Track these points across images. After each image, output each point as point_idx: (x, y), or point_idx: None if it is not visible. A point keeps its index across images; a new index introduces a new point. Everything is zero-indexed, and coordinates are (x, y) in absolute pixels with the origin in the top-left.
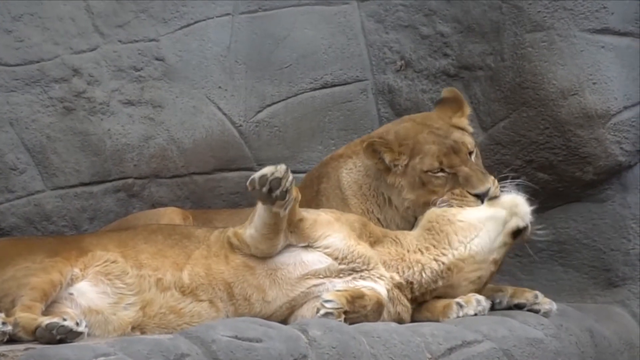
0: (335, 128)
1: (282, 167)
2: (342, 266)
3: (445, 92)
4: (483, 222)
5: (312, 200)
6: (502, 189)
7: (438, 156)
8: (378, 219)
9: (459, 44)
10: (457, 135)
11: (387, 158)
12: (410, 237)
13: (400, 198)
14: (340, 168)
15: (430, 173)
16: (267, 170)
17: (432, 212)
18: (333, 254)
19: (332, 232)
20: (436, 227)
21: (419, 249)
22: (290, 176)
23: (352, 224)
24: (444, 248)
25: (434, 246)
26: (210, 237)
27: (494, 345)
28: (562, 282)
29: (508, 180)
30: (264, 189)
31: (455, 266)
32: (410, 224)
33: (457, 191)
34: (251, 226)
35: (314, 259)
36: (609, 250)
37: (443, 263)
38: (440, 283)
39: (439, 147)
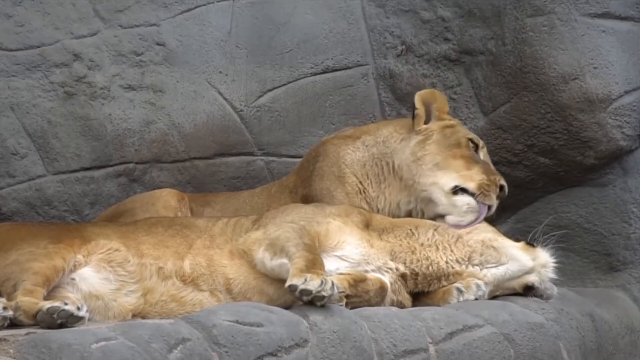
0: (336, 113)
1: (328, 285)
2: (358, 268)
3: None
4: (509, 259)
5: (306, 180)
6: None
7: (479, 141)
8: (371, 198)
9: (459, 28)
10: None
11: (436, 104)
12: (431, 233)
13: (417, 147)
14: (343, 146)
15: (471, 143)
16: (312, 285)
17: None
18: (347, 260)
19: (346, 237)
20: (465, 239)
21: (436, 245)
22: (335, 292)
23: (358, 224)
24: (463, 259)
25: (453, 252)
26: (213, 227)
27: (494, 329)
28: (563, 266)
29: None
30: (305, 299)
31: (467, 276)
32: (400, 211)
33: (492, 177)
34: (266, 254)
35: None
36: (610, 234)
37: (453, 268)
38: (444, 283)
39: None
